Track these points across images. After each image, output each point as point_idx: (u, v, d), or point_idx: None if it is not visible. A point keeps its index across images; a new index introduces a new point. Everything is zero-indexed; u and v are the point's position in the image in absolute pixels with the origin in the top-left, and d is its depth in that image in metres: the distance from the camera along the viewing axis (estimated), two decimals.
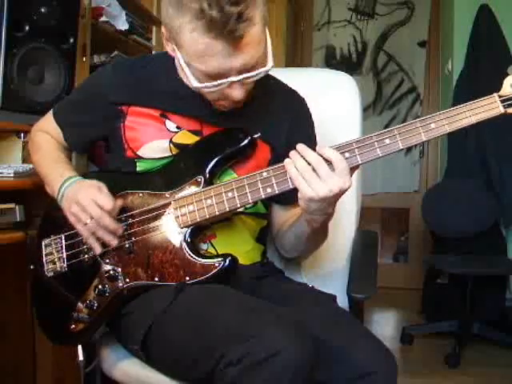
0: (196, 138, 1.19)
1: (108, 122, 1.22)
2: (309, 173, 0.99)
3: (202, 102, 1.15)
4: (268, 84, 1.27)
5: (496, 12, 3.27)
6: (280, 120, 1.24)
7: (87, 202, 1.11)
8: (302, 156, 1.01)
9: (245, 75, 1.03)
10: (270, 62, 1.05)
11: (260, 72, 1.05)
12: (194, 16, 0.96)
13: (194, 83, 1.05)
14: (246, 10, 0.96)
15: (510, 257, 3.20)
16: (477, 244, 2.99)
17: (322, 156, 0.99)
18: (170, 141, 1.19)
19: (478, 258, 2.92)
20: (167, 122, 1.19)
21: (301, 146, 1.01)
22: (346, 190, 1.00)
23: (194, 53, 1.00)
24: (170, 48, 1.10)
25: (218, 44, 0.97)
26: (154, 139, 1.19)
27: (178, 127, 1.19)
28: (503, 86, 0.99)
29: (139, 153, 1.20)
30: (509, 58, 3.23)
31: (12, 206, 1.41)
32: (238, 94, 1.06)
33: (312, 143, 1.26)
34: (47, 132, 1.31)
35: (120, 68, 1.24)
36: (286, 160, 1.02)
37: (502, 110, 0.98)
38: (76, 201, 1.12)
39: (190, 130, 1.20)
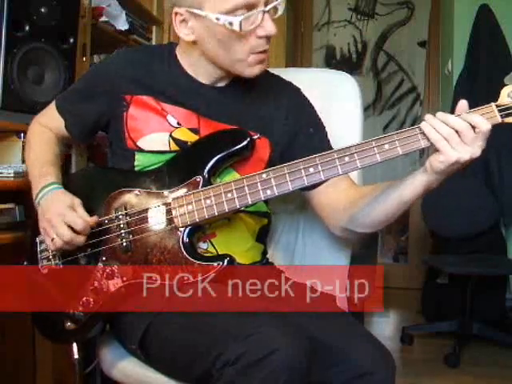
0: (194, 137, 1.19)
1: (112, 110, 1.22)
2: (454, 137, 0.96)
3: (200, 94, 1.17)
4: (264, 78, 1.27)
5: (496, 12, 3.26)
6: (275, 112, 1.24)
7: (57, 222, 1.11)
8: (443, 121, 0.97)
9: (272, 4, 1.08)
10: None
11: None
12: None
13: (235, 26, 1.06)
14: None
15: (510, 257, 3.20)
16: (477, 244, 2.99)
17: (466, 121, 0.97)
18: (170, 135, 1.19)
19: (478, 257, 2.92)
20: (169, 116, 1.20)
21: (441, 113, 0.99)
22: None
23: None
24: (185, 31, 1.12)
25: None
26: (154, 131, 1.20)
27: (178, 123, 1.20)
28: (501, 95, 0.99)
29: (139, 144, 1.20)
30: (509, 58, 3.23)
31: (12, 206, 1.41)
32: (270, 25, 1.09)
33: (317, 129, 1.26)
34: (46, 125, 1.32)
35: (123, 58, 1.24)
36: (423, 124, 0.98)
37: (499, 119, 0.99)
38: (47, 218, 1.13)
39: (189, 128, 1.20)
